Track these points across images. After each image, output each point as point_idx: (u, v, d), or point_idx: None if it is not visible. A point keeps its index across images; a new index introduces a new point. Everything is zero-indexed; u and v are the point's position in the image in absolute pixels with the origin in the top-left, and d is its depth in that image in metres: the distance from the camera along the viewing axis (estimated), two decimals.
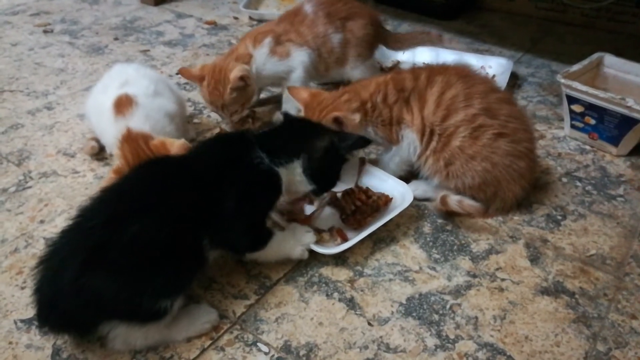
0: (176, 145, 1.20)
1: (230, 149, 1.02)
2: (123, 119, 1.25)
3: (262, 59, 1.50)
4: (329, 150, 1.05)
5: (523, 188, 1.24)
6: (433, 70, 1.25)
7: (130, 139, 1.20)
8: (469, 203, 1.18)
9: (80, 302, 0.84)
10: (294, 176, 1.04)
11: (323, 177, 1.08)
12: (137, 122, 1.24)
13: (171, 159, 1.07)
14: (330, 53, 1.58)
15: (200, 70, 1.48)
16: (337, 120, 1.19)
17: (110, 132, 1.26)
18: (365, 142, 1.14)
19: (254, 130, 1.08)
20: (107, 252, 0.84)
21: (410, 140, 1.24)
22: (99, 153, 1.45)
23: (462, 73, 1.24)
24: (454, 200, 1.19)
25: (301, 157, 1.03)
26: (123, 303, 0.86)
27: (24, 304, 1.03)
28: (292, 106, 1.59)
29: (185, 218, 0.92)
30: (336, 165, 1.09)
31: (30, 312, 1.01)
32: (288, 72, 1.54)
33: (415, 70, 1.28)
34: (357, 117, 1.21)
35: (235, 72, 1.42)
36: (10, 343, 0.96)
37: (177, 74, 1.90)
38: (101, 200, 0.93)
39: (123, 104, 1.26)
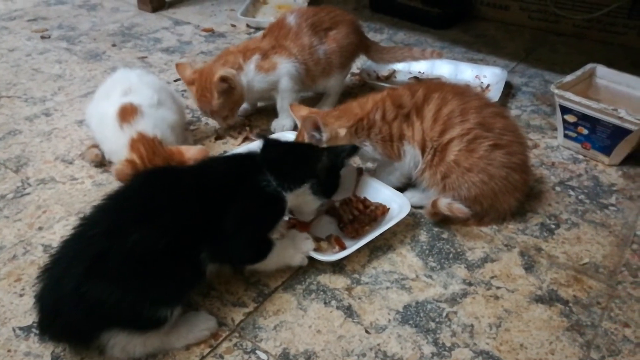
0: (192, 151, 1.21)
1: (238, 169, 1.04)
2: (129, 126, 1.24)
3: (251, 75, 1.52)
4: (329, 168, 1.10)
5: (517, 200, 1.26)
6: (429, 87, 1.27)
7: (145, 139, 1.21)
8: (457, 207, 1.19)
9: (81, 311, 0.85)
10: (305, 197, 1.09)
11: (330, 189, 1.14)
12: (145, 129, 1.24)
13: (176, 170, 1.08)
14: (317, 64, 1.59)
15: (193, 74, 1.49)
16: (315, 124, 1.22)
17: (113, 140, 1.26)
18: (354, 149, 1.19)
19: (265, 152, 1.09)
20: (107, 261, 0.85)
21: (411, 156, 1.26)
22: (102, 160, 1.44)
23: (458, 90, 1.27)
24: (443, 203, 1.20)
25: (309, 182, 1.08)
26: (123, 312, 0.87)
27: (22, 312, 1.03)
28: (287, 116, 1.61)
29: (186, 230, 0.92)
30: (338, 176, 1.15)
31: (29, 320, 1.01)
32: (276, 83, 1.55)
33: (412, 86, 1.31)
34: (342, 131, 1.24)
35: (217, 74, 1.43)
36: (9, 351, 0.96)
37: (175, 81, 1.92)
38: (102, 208, 0.94)
39: (128, 113, 1.26)
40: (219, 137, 1.60)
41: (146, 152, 1.19)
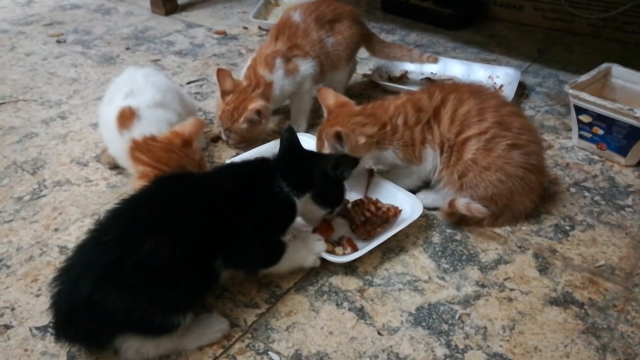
0: (189, 127, 1.20)
1: (253, 176, 1.05)
2: (127, 132, 1.24)
3: (281, 82, 1.52)
4: (326, 180, 1.10)
5: (533, 202, 1.25)
6: (445, 89, 1.27)
7: (139, 146, 1.21)
8: (476, 206, 1.18)
9: (95, 318, 0.86)
10: (309, 204, 1.09)
11: (330, 200, 1.14)
12: (139, 133, 1.23)
13: (191, 176, 1.08)
14: (327, 57, 1.60)
15: (233, 87, 1.47)
16: (338, 135, 1.20)
17: (115, 144, 1.27)
18: (353, 161, 1.15)
19: (279, 158, 1.11)
20: (121, 268, 0.86)
21: (432, 158, 1.25)
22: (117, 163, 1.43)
23: (474, 89, 1.26)
24: (461, 202, 1.20)
25: (309, 192, 1.08)
26: (137, 318, 0.88)
27: (39, 312, 1.04)
28: (302, 117, 1.61)
29: (200, 238, 0.93)
30: (337, 186, 1.14)
31: (45, 320, 1.02)
32: (300, 84, 1.56)
33: (429, 89, 1.30)
34: (362, 139, 1.22)
35: (254, 104, 1.43)
36: (26, 350, 0.97)
37: (188, 83, 1.93)
38: (116, 214, 0.95)
39: (126, 118, 1.25)
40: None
41: (147, 157, 1.18)
